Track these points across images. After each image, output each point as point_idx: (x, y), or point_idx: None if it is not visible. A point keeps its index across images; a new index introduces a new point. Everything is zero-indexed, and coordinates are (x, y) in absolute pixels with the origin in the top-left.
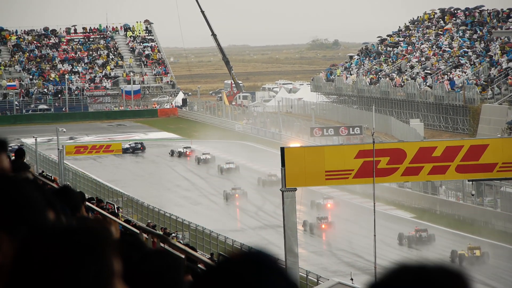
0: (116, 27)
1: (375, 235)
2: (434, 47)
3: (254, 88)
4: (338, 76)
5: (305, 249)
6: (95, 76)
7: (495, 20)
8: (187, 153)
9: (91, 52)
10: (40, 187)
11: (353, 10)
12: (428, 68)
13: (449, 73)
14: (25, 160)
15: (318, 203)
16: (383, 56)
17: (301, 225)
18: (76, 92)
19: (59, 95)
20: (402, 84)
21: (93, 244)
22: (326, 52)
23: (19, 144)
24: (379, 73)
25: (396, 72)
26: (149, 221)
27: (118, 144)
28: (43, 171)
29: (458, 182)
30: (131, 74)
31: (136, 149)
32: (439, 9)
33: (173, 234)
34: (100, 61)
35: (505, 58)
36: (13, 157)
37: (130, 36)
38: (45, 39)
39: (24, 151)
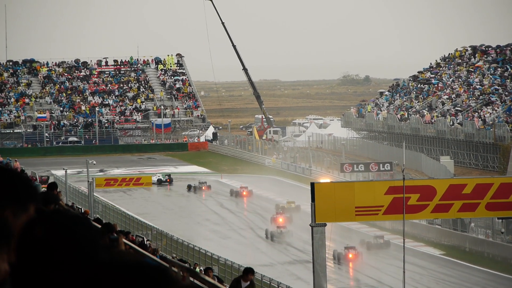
0: (147, 60)
1: (404, 272)
2: (465, 84)
3: (284, 123)
4: (368, 112)
5: (334, 284)
6: (125, 109)
7: None
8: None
9: (121, 85)
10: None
11: (385, 46)
12: (459, 105)
13: (479, 111)
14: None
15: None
16: (414, 92)
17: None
18: (106, 125)
19: (89, 128)
20: (433, 121)
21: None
22: (357, 88)
23: (48, 176)
24: (410, 110)
25: (426, 109)
26: (174, 254)
27: (148, 177)
28: (73, 203)
29: (487, 219)
30: (162, 107)
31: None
32: (470, 46)
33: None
34: (130, 94)
35: None
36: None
37: (161, 69)
38: (76, 71)
39: (57, 185)
